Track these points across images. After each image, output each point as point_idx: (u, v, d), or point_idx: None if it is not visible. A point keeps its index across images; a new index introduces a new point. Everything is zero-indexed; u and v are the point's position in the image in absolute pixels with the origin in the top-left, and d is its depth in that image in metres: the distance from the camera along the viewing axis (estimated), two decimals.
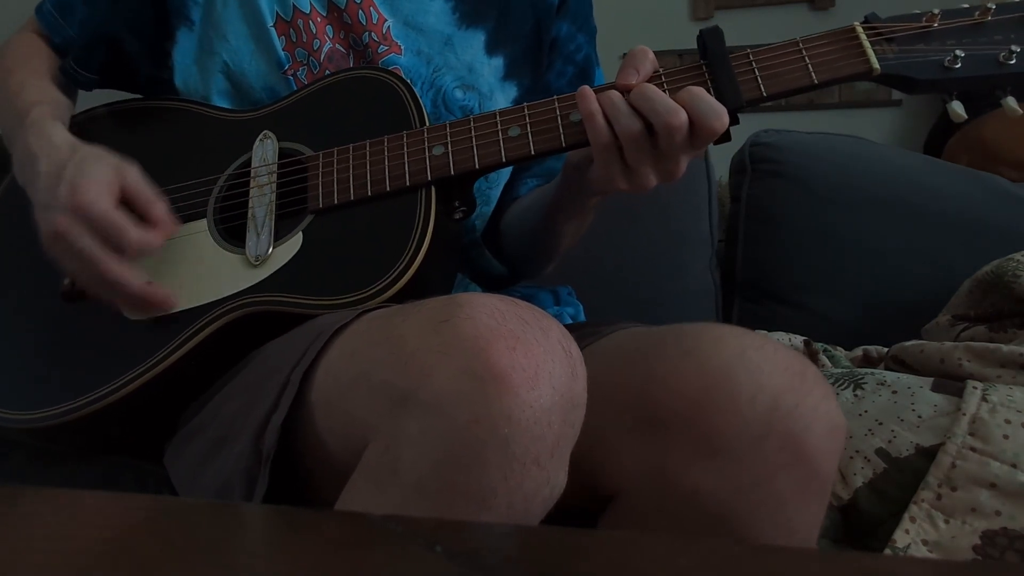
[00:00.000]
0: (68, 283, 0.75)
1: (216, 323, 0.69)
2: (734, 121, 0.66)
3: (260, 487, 0.57)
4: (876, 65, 0.66)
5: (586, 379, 0.52)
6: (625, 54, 0.69)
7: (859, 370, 0.92)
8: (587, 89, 0.67)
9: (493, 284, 0.93)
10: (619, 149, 0.66)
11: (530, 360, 0.48)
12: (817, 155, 1.32)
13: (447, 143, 0.70)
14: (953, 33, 0.67)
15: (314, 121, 0.77)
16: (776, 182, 1.31)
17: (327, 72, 0.81)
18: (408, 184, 0.70)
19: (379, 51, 0.82)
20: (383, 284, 0.65)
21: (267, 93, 0.82)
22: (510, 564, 0.32)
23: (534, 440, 0.47)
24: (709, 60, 0.68)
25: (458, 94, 0.84)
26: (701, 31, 0.70)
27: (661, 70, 0.69)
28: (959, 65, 0.66)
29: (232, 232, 0.74)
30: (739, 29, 1.99)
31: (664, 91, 0.66)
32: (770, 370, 0.56)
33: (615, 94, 0.66)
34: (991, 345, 0.90)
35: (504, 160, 0.70)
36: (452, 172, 0.70)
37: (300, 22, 0.81)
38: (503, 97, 0.87)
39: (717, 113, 0.64)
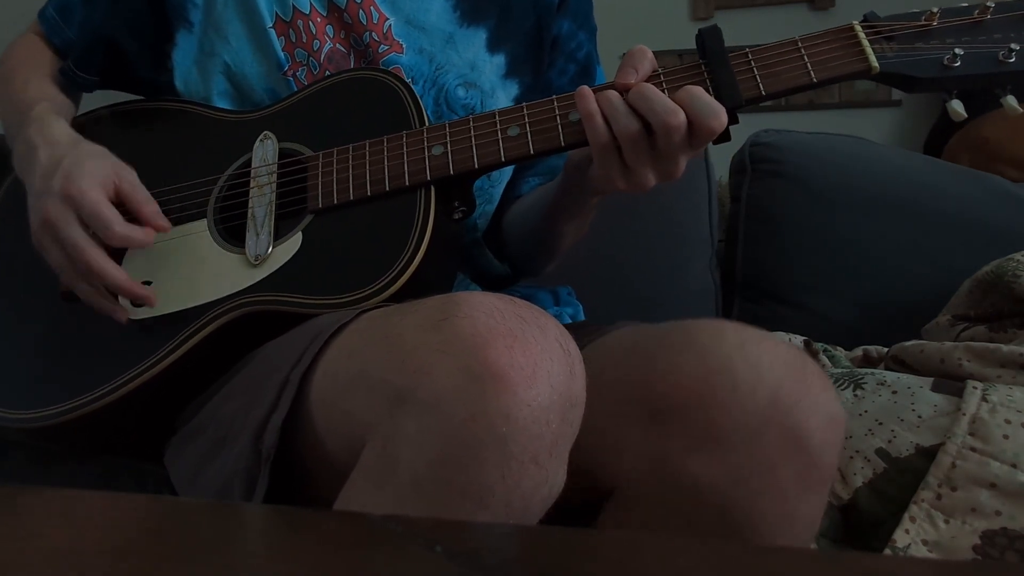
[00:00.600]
0: None
1: (216, 323, 0.69)
2: (733, 120, 0.66)
3: (260, 487, 0.57)
4: (875, 63, 0.66)
5: (585, 378, 0.52)
6: (625, 54, 0.69)
7: (859, 370, 0.92)
8: (586, 89, 0.67)
9: (493, 284, 0.93)
10: (618, 149, 0.66)
11: (528, 359, 0.48)
12: (817, 155, 1.31)
13: (446, 143, 0.70)
14: (952, 31, 0.67)
15: (314, 121, 0.77)
16: (776, 182, 1.31)
17: (327, 72, 0.81)
18: (407, 184, 0.70)
19: (380, 50, 0.82)
20: (382, 284, 0.65)
21: (268, 94, 0.82)
22: (510, 564, 0.32)
23: (532, 439, 0.47)
24: (708, 59, 0.68)
25: (460, 92, 0.84)
26: (700, 30, 0.70)
27: (660, 70, 0.69)
28: (958, 63, 0.66)
29: (232, 232, 0.74)
30: (739, 29, 1.99)
31: (663, 91, 0.66)
32: (770, 363, 0.56)
33: (613, 94, 0.66)
34: (991, 345, 0.90)
35: (503, 160, 0.70)
36: (451, 172, 0.70)
37: (300, 23, 0.81)
38: (505, 95, 0.87)
39: (715, 112, 0.64)
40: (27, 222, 0.73)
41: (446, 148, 0.70)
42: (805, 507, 0.57)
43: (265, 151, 0.77)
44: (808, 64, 0.67)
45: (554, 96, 0.70)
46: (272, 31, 0.81)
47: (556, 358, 0.49)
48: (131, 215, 0.71)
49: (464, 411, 0.47)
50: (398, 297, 0.64)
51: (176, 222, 0.75)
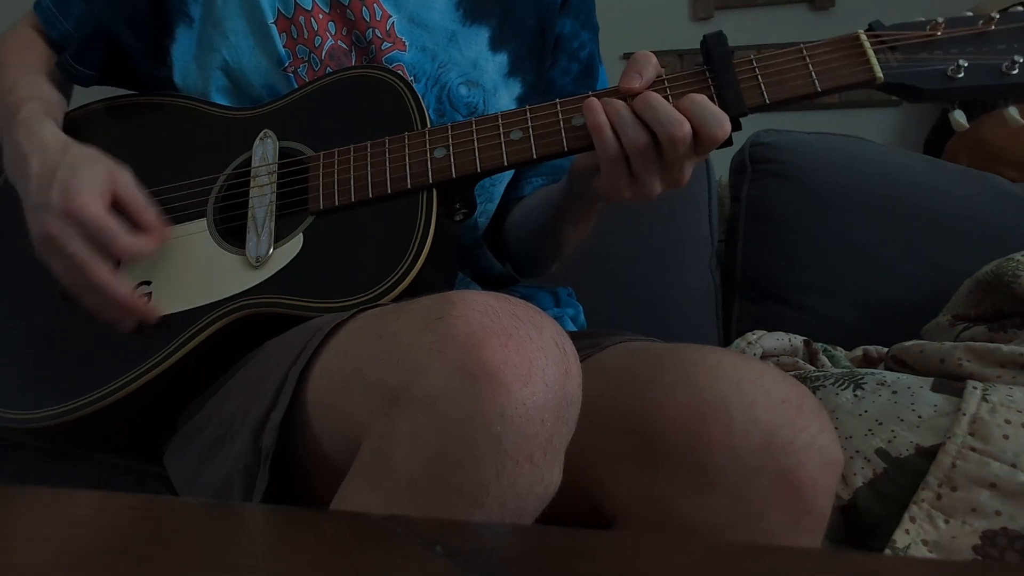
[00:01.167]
0: None
1: (216, 324, 0.69)
2: (736, 127, 0.66)
3: (260, 485, 0.57)
4: (880, 74, 0.66)
5: (581, 377, 0.52)
6: (626, 54, 0.69)
7: (859, 370, 0.92)
8: (594, 101, 0.67)
9: (494, 283, 0.93)
10: (626, 159, 0.66)
11: (523, 357, 0.48)
12: (817, 155, 1.31)
13: (449, 145, 0.70)
14: (957, 42, 0.66)
15: (315, 120, 0.77)
16: (776, 182, 1.31)
17: (328, 69, 0.81)
18: (409, 186, 0.70)
19: (383, 47, 0.82)
20: (385, 287, 0.65)
21: (267, 90, 0.82)
22: (510, 564, 0.32)
23: (527, 437, 0.47)
24: (712, 66, 0.68)
25: (462, 90, 0.84)
26: (705, 36, 0.69)
27: (664, 75, 0.69)
28: (962, 75, 0.65)
29: (232, 232, 0.74)
30: (739, 29, 1.99)
31: (667, 97, 0.66)
32: (765, 403, 0.56)
33: (621, 104, 0.65)
34: (991, 345, 0.90)
35: (506, 164, 0.70)
36: (454, 175, 0.70)
37: (302, 19, 0.81)
38: (507, 94, 0.87)
39: (719, 121, 0.64)
40: (25, 222, 0.73)
41: (448, 151, 0.70)
42: None
43: (265, 150, 0.76)
44: (813, 72, 0.67)
45: (557, 100, 0.70)
46: (274, 27, 0.81)
47: (551, 357, 0.49)
48: (130, 220, 0.71)
49: (458, 410, 0.46)
50: (400, 300, 0.63)
51: (175, 221, 0.75)
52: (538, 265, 0.93)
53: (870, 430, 0.81)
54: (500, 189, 0.90)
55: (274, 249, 0.71)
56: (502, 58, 0.87)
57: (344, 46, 0.82)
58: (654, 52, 0.70)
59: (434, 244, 0.67)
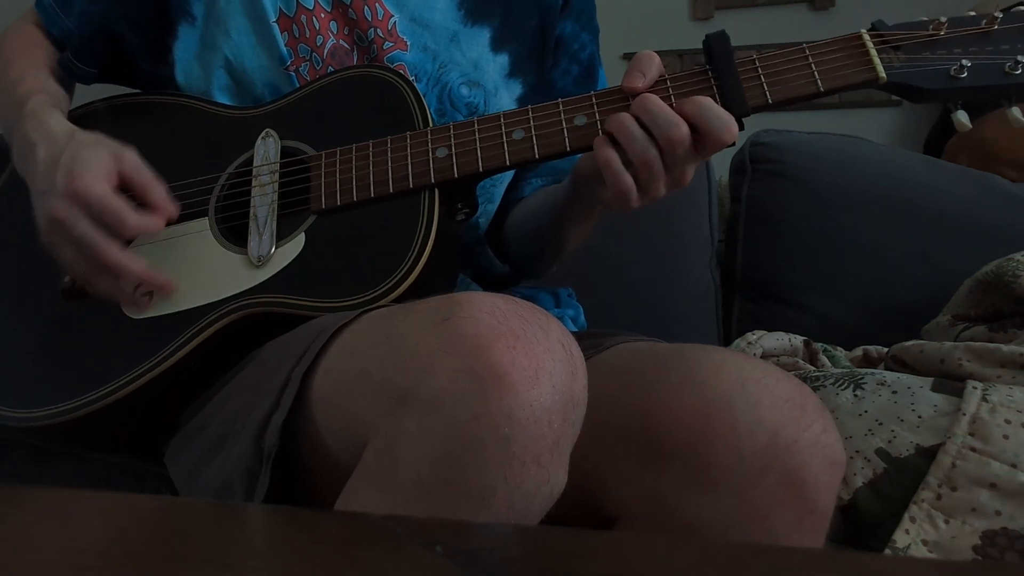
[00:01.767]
0: (68, 281, 0.75)
1: (218, 324, 0.69)
2: (739, 127, 0.66)
3: (261, 486, 0.57)
4: (883, 73, 0.66)
5: (586, 379, 0.52)
6: (627, 54, 0.69)
7: (859, 370, 0.92)
8: (602, 139, 0.66)
9: (494, 284, 0.93)
10: (635, 175, 0.66)
11: (531, 359, 0.48)
12: (817, 155, 1.31)
13: (451, 145, 0.70)
14: (959, 42, 0.66)
15: (316, 120, 0.77)
16: (776, 182, 1.31)
17: (330, 68, 0.81)
18: (411, 186, 0.70)
19: (384, 47, 0.82)
20: (387, 287, 0.65)
21: (269, 89, 0.82)
22: (510, 564, 0.32)
23: (534, 439, 0.47)
24: (715, 65, 0.68)
25: (464, 90, 0.84)
26: (707, 35, 0.69)
27: (667, 76, 0.69)
28: (965, 75, 0.65)
29: (233, 231, 0.74)
30: (739, 29, 1.99)
31: (671, 98, 0.66)
32: (770, 403, 0.56)
33: (627, 118, 0.65)
34: (991, 345, 0.90)
35: (508, 164, 0.70)
36: (456, 175, 0.70)
37: (303, 18, 0.81)
38: (508, 94, 0.87)
39: (726, 125, 0.64)
40: (25, 220, 0.73)
41: (450, 151, 0.70)
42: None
43: (267, 149, 0.76)
44: (815, 72, 0.67)
45: (559, 100, 0.70)
46: (276, 26, 0.81)
47: (558, 358, 0.49)
48: (137, 199, 0.70)
49: (466, 411, 0.46)
50: (402, 300, 0.63)
51: (177, 220, 0.75)
52: (538, 266, 0.93)
53: (870, 430, 0.81)
54: (501, 190, 0.90)
55: (276, 248, 0.71)
56: (503, 59, 0.87)
57: (346, 45, 0.82)
58: (654, 52, 0.70)
59: (436, 244, 0.67)
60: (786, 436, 0.55)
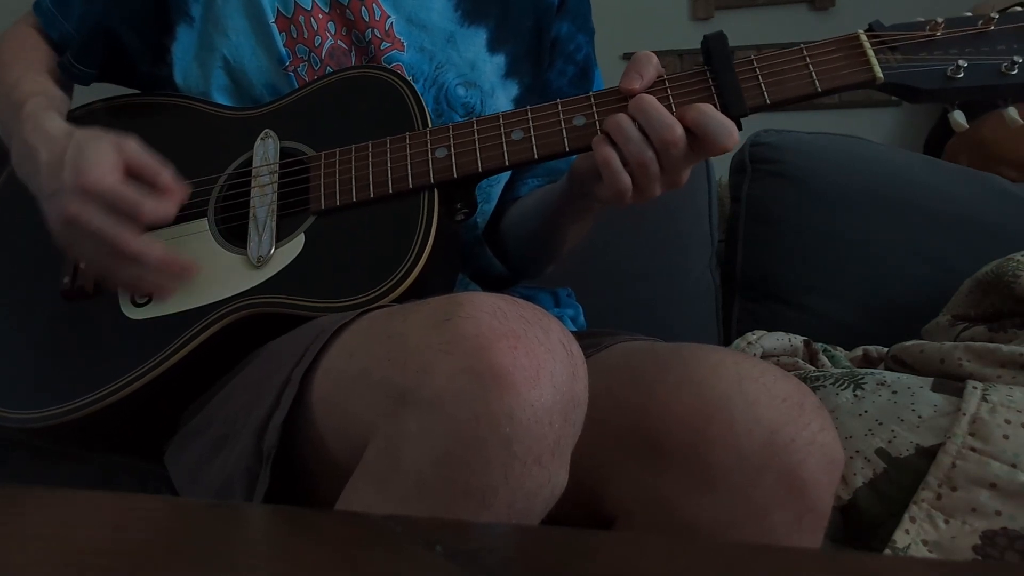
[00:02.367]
0: (68, 281, 0.75)
1: (218, 324, 0.69)
2: (737, 127, 0.66)
3: (261, 486, 0.57)
4: (880, 74, 0.66)
5: (587, 379, 0.52)
6: (626, 54, 0.69)
7: (859, 370, 0.92)
8: (601, 137, 0.67)
9: (493, 284, 0.93)
10: (632, 175, 0.66)
11: (531, 359, 0.48)
12: (817, 155, 1.31)
13: (450, 145, 0.70)
14: (956, 42, 0.67)
15: (316, 120, 0.77)
16: (776, 182, 1.31)
17: (328, 69, 0.81)
18: (411, 186, 0.70)
19: (382, 48, 0.82)
20: (386, 287, 0.65)
21: (267, 89, 0.82)
22: (510, 564, 0.32)
23: (536, 439, 0.47)
24: (713, 66, 0.68)
25: (460, 91, 0.84)
26: (706, 36, 0.70)
27: (665, 76, 0.69)
28: (962, 75, 0.66)
29: (233, 232, 0.74)
30: (739, 29, 1.99)
31: (669, 99, 0.66)
32: (767, 402, 0.56)
33: (624, 119, 0.65)
34: (991, 345, 0.90)
35: (507, 164, 0.70)
36: (455, 175, 0.70)
37: (301, 18, 0.81)
38: (504, 95, 0.87)
39: (728, 131, 0.64)
40: (24, 221, 0.73)
41: (450, 151, 0.70)
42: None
43: (266, 150, 0.76)
44: (813, 73, 0.67)
45: (558, 100, 0.70)
46: (274, 26, 0.81)
47: (559, 359, 0.49)
48: (147, 185, 0.70)
49: (467, 411, 0.46)
50: (402, 300, 0.64)
51: (176, 221, 0.75)
52: (536, 266, 0.93)
53: (870, 430, 0.81)
54: (498, 190, 0.90)
55: (275, 249, 0.71)
56: (500, 59, 0.87)
57: (344, 46, 0.83)
58: (654, 52, 0.70)
59: (435, 244, 0.67)
60: (784, 435, 0.55)
